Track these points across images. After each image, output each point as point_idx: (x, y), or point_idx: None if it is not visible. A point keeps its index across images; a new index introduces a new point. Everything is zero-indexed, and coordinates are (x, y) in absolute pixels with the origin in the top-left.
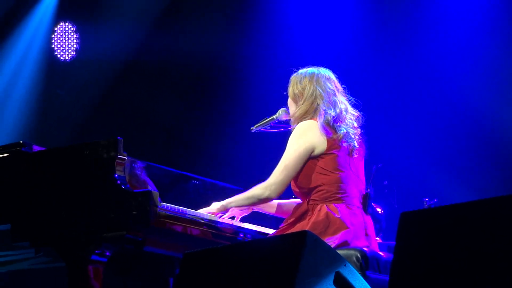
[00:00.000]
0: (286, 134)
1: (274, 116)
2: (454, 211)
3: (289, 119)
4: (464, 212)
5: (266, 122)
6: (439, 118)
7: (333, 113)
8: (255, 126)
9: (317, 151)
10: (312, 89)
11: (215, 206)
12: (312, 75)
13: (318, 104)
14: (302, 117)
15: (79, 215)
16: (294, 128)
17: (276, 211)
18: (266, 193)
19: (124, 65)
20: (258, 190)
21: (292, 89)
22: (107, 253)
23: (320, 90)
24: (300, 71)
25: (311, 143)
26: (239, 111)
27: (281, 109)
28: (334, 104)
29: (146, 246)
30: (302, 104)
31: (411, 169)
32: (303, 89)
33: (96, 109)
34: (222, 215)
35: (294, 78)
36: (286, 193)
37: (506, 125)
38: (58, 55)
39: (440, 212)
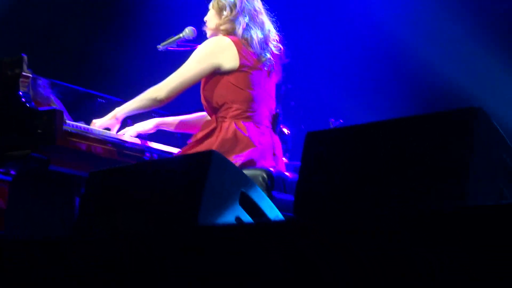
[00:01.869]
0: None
1: (181, 35)
2: (358, 131)
3: (195, 38)
4: (367, 132)
5: (172, 40)
6: (345, 39)
7: (260, 35)
8: (162, 44)
9: (225, 68)
10: (242, 4)
11: (105, 118)
12: None
13: (246, 22)
14: (226, 32)
15: None
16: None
17: (181, 128)
18: (156, 94)
19: None
20: (149, 92)
21: (217, 1)
22: (12, 172)
23: (250, 8)
24: None
25: (217, 60)
26: (145, 29)
27: (188, 27)
28: (262, 24)
29: (51, 165)
30: (230, 18)
31: (318, 90)
32: (233, 4)
33: None
34: (121, 131)
35: None
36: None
37: (410, 46)
38: None
39: (344, 132)
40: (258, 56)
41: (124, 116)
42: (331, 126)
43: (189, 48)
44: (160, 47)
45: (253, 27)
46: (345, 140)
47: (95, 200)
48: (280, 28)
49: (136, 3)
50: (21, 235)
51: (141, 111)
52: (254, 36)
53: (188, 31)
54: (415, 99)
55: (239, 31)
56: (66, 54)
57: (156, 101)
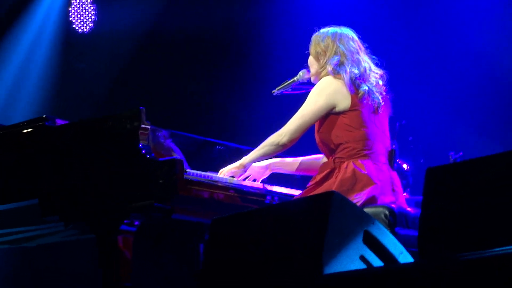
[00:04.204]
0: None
1: (295, 78)
2: (479, 165)
3: (310, 80)
4: (489, 165)
5: (287, 84)
6: (462, 70)
7: (356, 71)
8: (277, 89)
9: (339, 108)
10: (335, 47)
11: (232, 166)
12: (334, 34)
13: (341, 62)
14: (326, 75)
15: (105, 186)
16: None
17: (297, 169)
18: (279, 139)
19: (143, 35)
20: (272, 137)
21: (314, 48)
22: (136, 223)
23: (343, 49)
24: (322, 30)
25: (333, 99)
26: (260, 75)
27: (302, 70)
28: (357, 63)
29: (174, 214)
30: (325, 62)
31: (436, 124)
32: (326, 47)
33: (117, 80)
34: (245, 177)
35: (316, 37)
36: (303, 150)
37: None
38: (76, 28)
39: (465, 166)
40: (356, 93)
41: (251, 163)
42: (451, 159)
43: (304, 91)
44: (275, 91)
45: (347, 66)
46: (466, 174)
47: (219, 246)
48: (386, 65)
49: (249, 49)
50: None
51: (266, 157)
52: (348, 74)
53: (302, 74)
54: None
55: (333, 70)
56: (184, 104)
57: (279, 146)
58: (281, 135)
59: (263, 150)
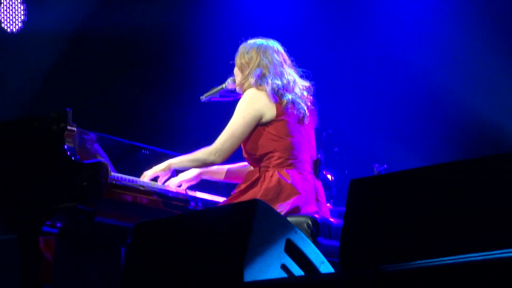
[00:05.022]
0: (236, 103)
1: (223, 85)
2: (402, 177)
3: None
4: (412, 178)
5: (215, 91)
6: (388, 83)
7: (278, 82)
8: (205, 95)
9: (266, 118)
10: (258, 59)
11: (158, 168)
12: (260, 46)
13: (264, 75)
14: (249, 87)
15: (29, 187)
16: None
17: (224, 177)
18: (211, 159)
19: (73, 35)
20: (203, 154)
21: (239, 59)
22: (58, 224)
23: (266, 62)
24: (249, 41)
25: (259, 110)
26: (188, 81)
27: (230, 78)
28: (280, 75)
29: (97, 216)
30: (248, 74)
31: (362, 136)
32: (250, 59)
33: (46, 80)
34: (168, 180)
35: (241, 48)
36: (234, 157)
37: (455, 92)
38: (5, 27)
39: (389, 178)
40: (280, 102)
41: (177, 168)
42: (375, 171)
43: (231, 99)
44: (203, 98)
45: (269, 78)
46: (389, 186)
47: (141, 250)
48: (312, 76)
49: (178, 54)
50: None
51: (197, 176)
52: (270, 85)
53: (230, 81)
54: (457, 142)
55: (255, 81)
56: (111, 107)
57: (209, 164)
58: (214, 154)
59: (193, 163)
